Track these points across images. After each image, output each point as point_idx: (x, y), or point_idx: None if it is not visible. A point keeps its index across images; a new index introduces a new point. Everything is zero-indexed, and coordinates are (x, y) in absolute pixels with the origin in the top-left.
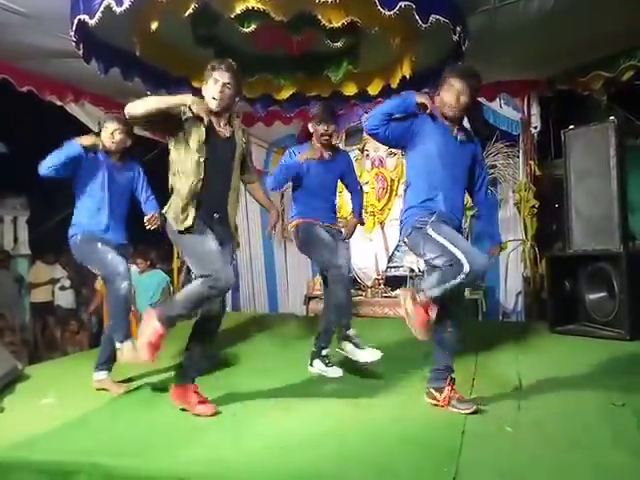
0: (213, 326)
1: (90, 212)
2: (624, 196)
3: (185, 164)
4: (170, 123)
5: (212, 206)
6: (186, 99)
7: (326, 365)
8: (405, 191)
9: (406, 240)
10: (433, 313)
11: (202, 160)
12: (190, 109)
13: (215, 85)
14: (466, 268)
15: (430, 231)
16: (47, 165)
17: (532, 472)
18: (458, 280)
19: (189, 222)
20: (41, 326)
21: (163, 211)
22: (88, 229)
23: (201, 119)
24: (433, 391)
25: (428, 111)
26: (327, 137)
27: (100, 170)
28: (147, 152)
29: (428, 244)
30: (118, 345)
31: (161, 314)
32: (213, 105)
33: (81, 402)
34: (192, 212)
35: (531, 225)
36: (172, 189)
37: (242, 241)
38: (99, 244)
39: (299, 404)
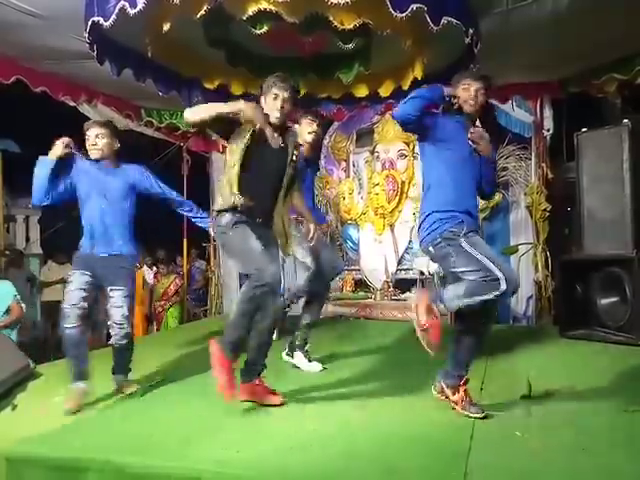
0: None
1: (85, 225)
2: (637, 200)
3: (230, 168)
4: (228, 127)
5: (256, 210)
6: (240, 105)
7: (309, 360)
8: (425, 194)
9: (431, 249)
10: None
11: (242, 164)
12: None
13: (275, 101)
14: (503, 286)
15: (464, 244)
16: (35, 196)
17: (542, 477)
18: (491, 296)
19: (236, 201)
20: (52, 325)
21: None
22: (82, 243)
23: (253, 124)
24: (445, 387)
25: (456, 101)
26: None
27: (88, 179)
28: (159, 153)
29: (461, 257)
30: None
31: (220, 345)
32: (274, 119)
33: (93, 399)
34: (237, 199)
35: (543, 229)
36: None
37: None
38: (77, 272)
39: (308, 405)
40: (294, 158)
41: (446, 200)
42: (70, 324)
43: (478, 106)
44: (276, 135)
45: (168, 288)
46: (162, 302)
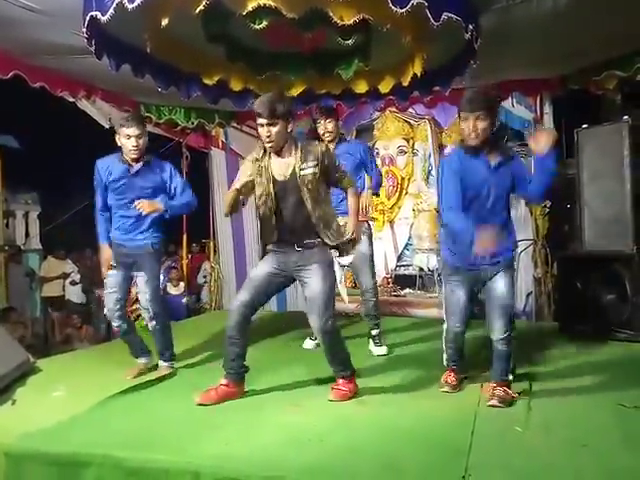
0: None
1: (115, 220)
2: (638, 197)
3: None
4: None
5: (289, 238)
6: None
7: (375, 344)
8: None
9: None
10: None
11: (262, 205)
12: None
13: (260, 130)
14: (444, 326)
15: (443, 281)
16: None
17: (541, 473)
18: (444, 340)
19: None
20: (52, 320)
21: None
22: (113, 236)
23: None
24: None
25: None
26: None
27: (121, 176)
28: (158, 148)
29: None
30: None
31: None
32: (269, 148)
33: (92, 395)
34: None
35: (542, 225)
36: None
37: (252, 242)
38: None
39: (308, 400)
40: (310, 173)
41: (447, 233)
42: (114, 322)
43: (483, 136)
44: (283, 164)
45: None
46: None
